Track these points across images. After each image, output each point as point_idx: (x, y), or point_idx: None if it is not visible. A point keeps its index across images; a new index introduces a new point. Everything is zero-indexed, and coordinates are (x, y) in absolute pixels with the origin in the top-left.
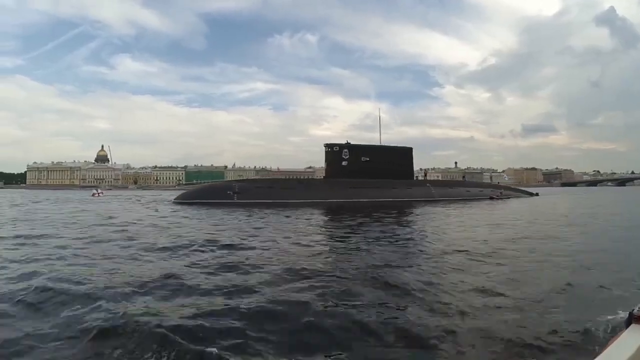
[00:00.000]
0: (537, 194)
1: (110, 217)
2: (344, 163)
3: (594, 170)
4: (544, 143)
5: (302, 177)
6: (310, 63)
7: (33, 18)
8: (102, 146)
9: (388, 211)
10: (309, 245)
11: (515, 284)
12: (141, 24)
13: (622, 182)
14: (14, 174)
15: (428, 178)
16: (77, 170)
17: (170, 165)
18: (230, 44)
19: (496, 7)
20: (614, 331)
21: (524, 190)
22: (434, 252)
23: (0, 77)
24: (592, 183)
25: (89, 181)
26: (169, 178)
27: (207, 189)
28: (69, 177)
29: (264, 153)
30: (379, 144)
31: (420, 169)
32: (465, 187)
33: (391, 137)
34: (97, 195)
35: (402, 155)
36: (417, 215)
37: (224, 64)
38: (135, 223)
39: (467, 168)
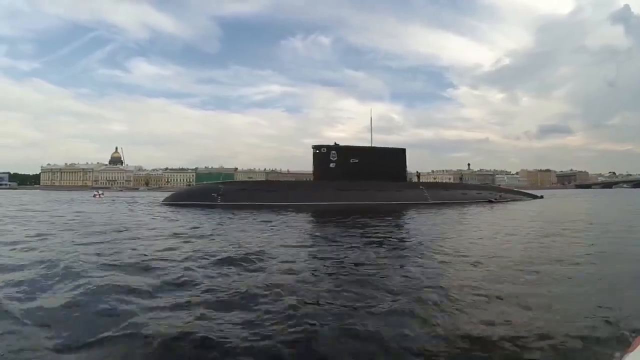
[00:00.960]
0: (541, 197)
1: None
2: (331, 165)
3: (610, 172)
4: (560, 144)
5: (309, 179)
6: (324, 65)
7: (48, 22)
8: (116, 148)
9: (373, 216)
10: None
11: None
12: (156, 27)
13: (637, 183)
14: (29, 175)
15: (423, 180)
16: (89, 171)
17: (181, 167)
18: (244, 46)
19: (510, 7)
20: None
21: (526, 193)
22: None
23: (17, 80)
24: (607, 185)
25: (101, 182)
26: (180, 180)
27: (193, 191)
28: (81, 179)
29: (277, 155)
30: (384, 145)
31: (416, 171)
32: (462, 189)
33: (406, 139)
34: (97, 196)
35: (394, 157)
36: (404, 221)
37: (238, 66)
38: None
39: (480, 170)
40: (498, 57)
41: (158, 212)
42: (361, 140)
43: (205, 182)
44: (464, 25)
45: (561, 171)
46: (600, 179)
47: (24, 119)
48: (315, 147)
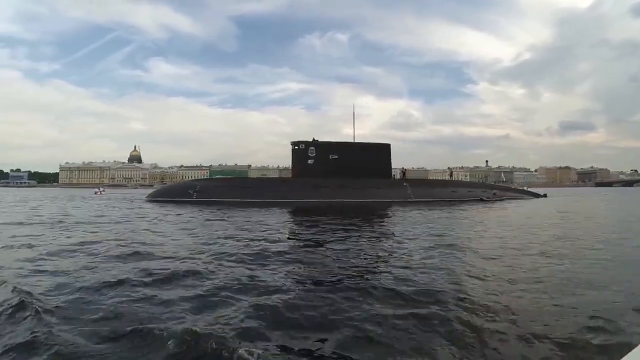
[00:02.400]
0: (544, 195)
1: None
2: (309, 162)
3: (632, 170)
4: (581, 141)
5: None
6: (342, 62)
7: (68, 25)
8: (135, 146)
9: (345, 215)
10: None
11: None
12: (174, 28)
13: None
14: (49, 173)
15: (409, 177)
16: (106, 169)
17: (196, 165)
18: (262, 45)
19: (528, 1)
20: None
21: (527, 191)
22: None
23: (38, 81)
24: (629, 183)
25: (117, 180)
26: (194, 177)
27: (173, 187)
28: (98, 177)
29: None
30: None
31: (402, 168)
32: (452, 187)
33: (424, 135)
34: (99, 193)
35: (377, 153)
36: (362, 222)
37: (256, 65)
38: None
39: (499, 167)
40: (518, 52)
41: (128, 207)
42: (381, 137)
43: (189, 179)
44: (483, 20)
45: (581, 169)
46: (621, 177)
47: (45, 119)
48: (293, 144)
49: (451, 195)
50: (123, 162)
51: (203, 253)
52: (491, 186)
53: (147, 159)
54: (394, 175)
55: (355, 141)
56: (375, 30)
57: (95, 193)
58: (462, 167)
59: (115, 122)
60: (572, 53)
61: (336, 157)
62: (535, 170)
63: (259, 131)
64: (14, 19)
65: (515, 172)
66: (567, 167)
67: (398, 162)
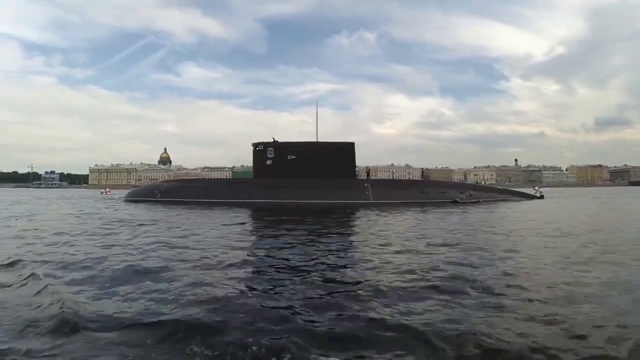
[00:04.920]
0: (540, 197)
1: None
2: (268, 162)
3: None
4: (618, 138)
5: None
6: (370, 61)
7: (100, 32)
8: (165, 149)
9: (276, 216)
10: None
11: None
12: (203, 32)
13: None
14: (81, 175)
15: (376, 177)
16: (133, 171)
17: (219, 166)
18: (290, 46)
19: None
20: None
21: (516, 192)
22: None
23: (73, 87)
24: None
25: (144, 181)
26: (217, 177)
27: (143, 189)
28: (125, 178)
29: None
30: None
31: (365, 167)
32: (421, 187)
33: (456, 134)
34: (104, 193)
35: (338, 153)
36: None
37: (285, 66)
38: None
39: (528, 166)
40: (550, 46)
41: (104, 206)
42: (412, 136)
43: (160, 181)
44: (511, 14)
45: (614, 167)
46: None
47: (80, 123)
48: (254, 145)
49: (417, 196)
50: (149, 164)
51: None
52: (468, 186)
53: (178, 160)
54: (358, 175)
55: (319, 141)
56: (402, 28)
57: (102, 193)
58: (488, 167)
59: (148, 125)
60: (606, 46)
61: (294, 157)
62: (566, 169)
63: (289, 132)
64: (47, 27)
65: (544, 172)
66: (599, 166)
67: (426, 162)
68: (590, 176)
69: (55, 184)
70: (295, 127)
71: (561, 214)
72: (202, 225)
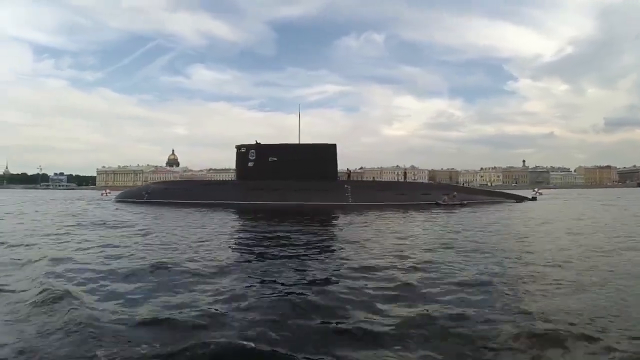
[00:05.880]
0: (533, 198)
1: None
2: (249, 164)
3: None
4: (629, 138)
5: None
6: (379, 62)
7: (110, 35)
8: (172, 150)
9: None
10: None
11: None
12: (212, 34)
13: None
14: (89, 176)
15: (357, 179)
16: (139, 173)
17: (224, 168)
18: (299, 48)
19: None
20: None
21: (505, 193)
22: None
23: (83, 90)
24: None
25: (150, 182)
26: (221, 179)
27: (132, 190)
28: (132, 179)
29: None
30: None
31: (346, 169)
32: (403, 189)
33: (466, 135)
34: (104, 194)
35: (321, 154)
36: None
37: (293, 68)
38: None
39: (536, 167)
40: (559, 47)
41: (92, 207)
42: (422, 137)
43: (148, 183)
44: (520, 14)
45: (624, 167)
46: None
47: (90, 125)
48: (237, 147)
49: (398, 198)
50: (156, 166)
51: None
52: (451, 187)
53: (187, 161)
54: (339, 177)
55: (301, 142)
56: (411, 29)
57: (102, 194)
58: (495, 168)
59: (158, 127)
60: (615, 46)
61: (275, 159)
62: (575, 170)
63: (297, 134)
64: (57, 30)
65: (552, 173)
66: (607, 167)
67: (434, 163)
68: (598, 177)
69: (63, 185)
70: (303, 129)
71: (541, 215)
72: (163, 225)
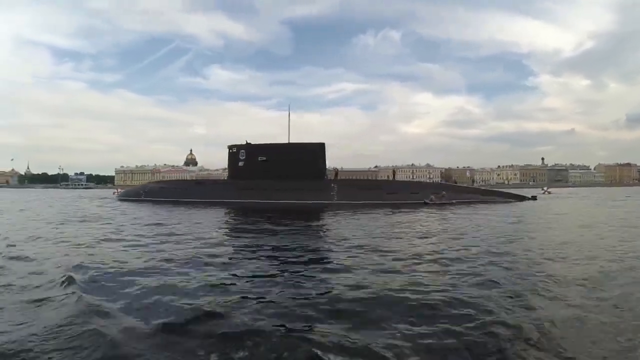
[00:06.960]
0: (533, 198)
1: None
2: (240, 164)
3: None
4: None
5: (355, 178)
6: (397, 60)
7: (128, 37)
8: (190, 150)
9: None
10: None
11: None
12: (228, 35)
13: None
14: (108, 176)
15: (343, 177)
16: (156, 172)
17: None
18: (315, 47)
19: None
20: None
21: (505, 193)
22: None
23: (102, 91)
24: None
25: (148, 182)
26: None
27: (132, 189)
28: (149, 179)
29: (350, 154)
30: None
31: (334, 168)
32: (390, 188)
33: (485, 132)
34: (116, 193)
35: (309, 153)
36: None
37: (310, 67)
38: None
39: (555, 165)
40: (579, 41)
41: (96, 204)
42: (439, 135)
43: (146, 182)
44: (538, 8)
45: None
46: None
47: (110, 126)
48: (229, 147)
49: (385, 197)
50: (173, 165)
51: None
52: (442, 186)
53: (205, 161)
54: (327, 176)
55: (290, 142)
56: (428, 26)
57: (113, 193)
58: (512, 166)
59: (176, 127)
60: (636, 40)
61: (264, 158)
62: (594, 168)
63: (315, 132)
64: (76, 34)
65: (571, 171)
66: (627, 164)
67: (453, 161)
68: (618, 175)
69: (82, 184)
70: (320, 127)
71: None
72: (145, 222)
